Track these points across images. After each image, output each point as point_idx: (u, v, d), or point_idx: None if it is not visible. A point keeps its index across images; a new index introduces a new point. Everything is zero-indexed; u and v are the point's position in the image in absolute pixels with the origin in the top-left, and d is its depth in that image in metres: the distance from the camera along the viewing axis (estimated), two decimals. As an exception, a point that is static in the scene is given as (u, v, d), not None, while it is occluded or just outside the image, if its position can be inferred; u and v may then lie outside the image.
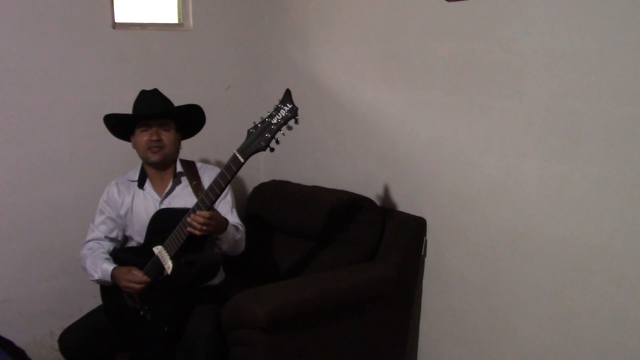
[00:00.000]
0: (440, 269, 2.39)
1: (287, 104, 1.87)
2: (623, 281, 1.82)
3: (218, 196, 1.97)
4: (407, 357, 2.53)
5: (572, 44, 1.86)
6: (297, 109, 1.87)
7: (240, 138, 1.93)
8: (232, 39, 3.00)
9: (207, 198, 1.98)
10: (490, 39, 2.08)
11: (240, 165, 1.91)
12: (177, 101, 2.32)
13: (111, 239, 2.34)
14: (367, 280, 2.30)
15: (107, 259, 2.24)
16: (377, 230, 2.41)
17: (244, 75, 3.08)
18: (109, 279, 2.19)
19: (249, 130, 1.93)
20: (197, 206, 2.00)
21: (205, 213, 1.97)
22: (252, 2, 3.03)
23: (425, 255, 2.44)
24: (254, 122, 1.93)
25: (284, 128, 1.88)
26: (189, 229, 1.99)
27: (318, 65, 2.80)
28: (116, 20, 2.68)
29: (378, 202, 2.51)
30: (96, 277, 2.22)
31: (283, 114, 1.87)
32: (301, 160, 2.94)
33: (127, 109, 2.27)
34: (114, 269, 2.18)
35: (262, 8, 3.04)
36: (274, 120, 1.88)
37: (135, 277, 2.12)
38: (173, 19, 2.91)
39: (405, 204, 2.49)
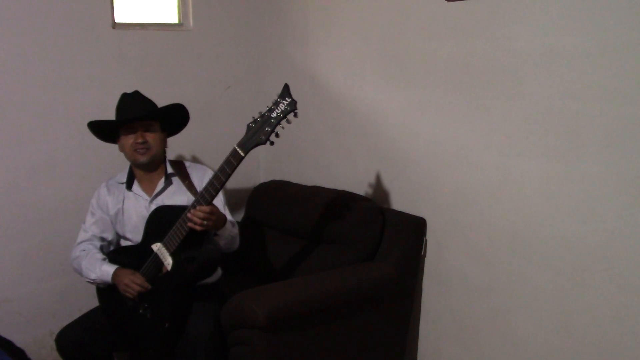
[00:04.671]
0: (440, 269, 2.39)
1: (286, 98, 1.89)
2: (623, 281, 1.82)
3: (218, 190, 1.98)
4: (407, 357, 2.53)
5: (572, 44, 1.86)
6: (296, 102, 1.88)
7: (240, 137, 1.94)
8: (232, 39, 3.00)
9: (207, 193, 1.98)
10: (490, 39, 2.08)
11: (240, 159, 1.92)
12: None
13: (102, 240, 2.33)
14: (367, 280, 2.30)
15: (104, 259, 2.24)
16: (377, 230, 2.41)
17: (243, 75, 3.08)
18: (108, 279, 2.17)
19: (248, 125, 1.94)
20: (197, 201, 2.00)
21: (206, 208, 1.98)
22: (252, 2, 3.03)
23: (425, 255, 2.44)
24: (253, 117, 1.94)
25: (283, 122, 1.90)
26: (189, 224, 1.99)
27: (318, 65, 2.80)
28: (116, 20, 2.68)
29: (378, 202, 2.51)
30: (93, 277, 2.21)
31: (282, 108, 1.88)
32: (301, 160, 2.94)
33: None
34: (117, 269, 2.17)
35: (262, 8, 3.04)
36: (274, 114, 1.89)
37: (138, 279, 2.12)
38: (173, 19, 2.91)
39: (405, 204, 2.48)
